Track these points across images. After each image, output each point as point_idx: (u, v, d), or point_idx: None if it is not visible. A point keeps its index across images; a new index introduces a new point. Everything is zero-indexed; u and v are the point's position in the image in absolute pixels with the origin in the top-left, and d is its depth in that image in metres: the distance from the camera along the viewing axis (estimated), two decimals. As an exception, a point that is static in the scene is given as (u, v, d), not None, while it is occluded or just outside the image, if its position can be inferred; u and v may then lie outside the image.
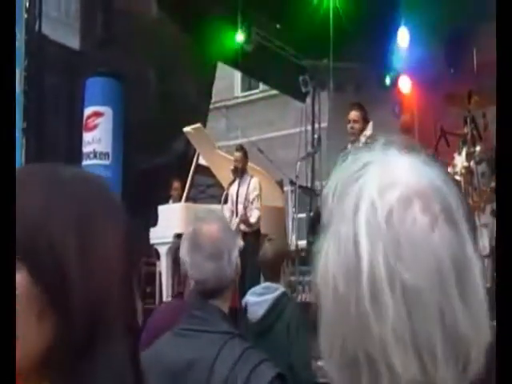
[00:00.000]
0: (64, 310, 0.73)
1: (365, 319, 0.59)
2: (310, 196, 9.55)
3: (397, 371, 0.58)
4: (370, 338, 0.59)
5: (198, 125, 7.58)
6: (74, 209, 0.76)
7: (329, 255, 0.63)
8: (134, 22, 8.90)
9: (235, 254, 1.76)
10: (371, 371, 0.59)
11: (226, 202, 6.59)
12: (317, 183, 9.93)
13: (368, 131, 5.14)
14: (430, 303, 0.59)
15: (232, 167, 6.43)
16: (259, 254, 3.79)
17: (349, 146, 5.29)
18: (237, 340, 1.67)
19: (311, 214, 9.49)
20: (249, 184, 6.42)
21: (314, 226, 8.82)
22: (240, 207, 6.32)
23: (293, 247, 8.68)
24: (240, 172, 6.44)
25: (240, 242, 1.86)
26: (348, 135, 5.33)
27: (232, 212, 6.34)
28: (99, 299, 0.76)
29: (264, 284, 3.55)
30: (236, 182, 6.49)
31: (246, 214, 6.15)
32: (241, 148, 6.62)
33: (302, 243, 9.31)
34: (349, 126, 5.24)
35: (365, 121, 5.24)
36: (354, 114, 5.29)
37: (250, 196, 6.33)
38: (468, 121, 5.23)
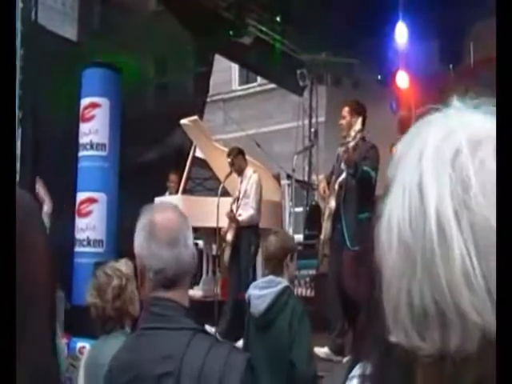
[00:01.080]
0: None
1: (432, 263, 0.57)
2: (306, 190, 9.58)
3: (469, 318, 0.56)
4: (439, 284, 0.57)
5: (195, 117, 7.58)
6: None
7: (393, 204, 0.61)
8: (131, 14, 8.88)
9: (191, 239, 1.76)
10: (442, 324, 0.57)
11: (222, 195, 6.59)
12: (313, 177, 9.95)
13: (357, 126, 5.03)
14: None
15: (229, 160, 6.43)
16: (264, 247, 3.78)
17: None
18: (201, 335, 1.65)
19: (307, 207, 9.53)
20: (248, 180, 6.43)
21: (310, 220, 8.84)
22: (238, 203, 6.34)
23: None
24: (239, 171, 6.45)
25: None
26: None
27: (230, 206, 6.37)
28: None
29: (267, 278, 3.53)
30: (238, 180, 6.52)
31: (232, 212, 6.17)
32: (229, 154, 6.50)
33: (299, 237, 9.34)
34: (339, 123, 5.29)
35: (354, 115, 5.24)
36: (343, 110, 5.33)
37: (248, 193, 6.33)
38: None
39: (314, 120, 9.92)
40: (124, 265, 2.66)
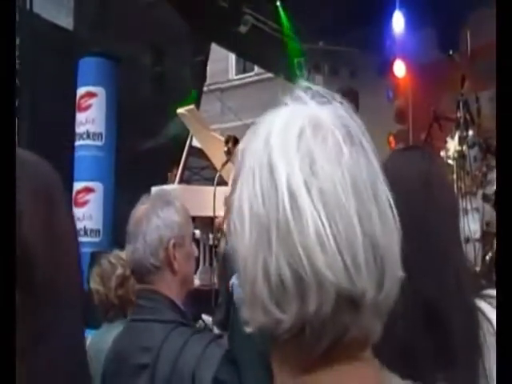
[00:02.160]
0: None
1: (287, 232, 0.60)
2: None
3: (325, 278, 0.59)
4: (295, 250, 0.60)
5: (192, 106, 7.54)
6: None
7: (243, 188, 0.65)
8: (127, 3, 8.83)
9: (153, 237, 1.68)
10: (300, 290, 0.60)
11: (219, 184, 6.58)
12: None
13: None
14: (348, 209, 0.61)
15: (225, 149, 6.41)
16: None
17: None
18: (180, 329, 1.63)
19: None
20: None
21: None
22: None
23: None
24: (231, 155, 6.38)
25: (188, 229, 1.79)
26: None
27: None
28: (59, 274, 0.81)
29: None
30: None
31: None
32: (227, 141, 6.50)
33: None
34: None
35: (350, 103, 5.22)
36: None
37: None
38: (461, 105, 5.23)
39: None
40: None
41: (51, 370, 0.78)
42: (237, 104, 12.16)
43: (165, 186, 7.38)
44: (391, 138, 8.08)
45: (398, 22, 7.65)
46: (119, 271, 2.63)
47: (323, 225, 0.60)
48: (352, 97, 5.40)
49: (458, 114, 5.23)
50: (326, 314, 0.59)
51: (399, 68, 8.05)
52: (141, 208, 1.75)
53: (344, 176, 0.62)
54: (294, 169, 0.63)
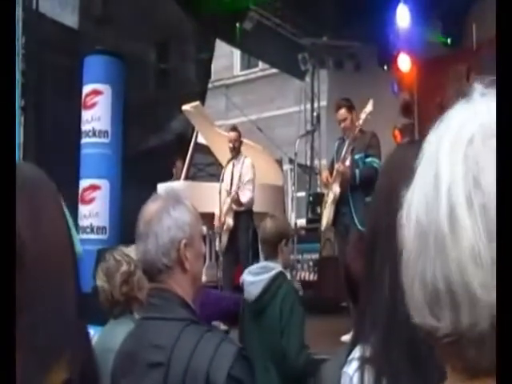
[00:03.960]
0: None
1: (442, 243, 0.59)
2: (309, 174, 9.59)
3: (478, 296, 0.57)
4: (449, 263, 0.59)
5: (197, 103, 7.56)
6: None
7: (414, 194, 0.65)
8: (132, 0, 8.85)
9: (165, 238, 1.68)
10: (452, 303, 0.59)
11: (223, 180, 6.62)
12: (316, 161, 9.95)
13: (368, 107, 5.28)
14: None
15: (230, 145, 6.44)
16: (260, 231, 3.75)
17: (345, 137, 5.37)
18: (193, 326, 1.63)
19: (310, 192, 9.54)
20: (242, 165, 6.46)
21: (313, 205, 8.86)
22: (234, 187, 6.35)
23: (292, 225, 8.75)
24: (235, 152, 6.46)
25: (198, 228, 1.79)
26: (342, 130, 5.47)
27: (227, 192, 6.36)
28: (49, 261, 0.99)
29: (261, 263, 3.51)
30: (231, 163, 6.52)
31: (237, 194, 6.20)
32: (234, 128, 6.59)
33: (302, 221, 9.36)
34: (341, 125, 5.37)
35: (352, 111, 5.35)
36: (341, 114, 5.33)
37: (243, 177, 6.38)
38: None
39: (316, 104, 9.90)
40: (133, 250, 2.68)
41: (37, 329, 0.93)
42: (241, 100, 12.17)
43: (170, 183, 7.42)
44: (396, 132, 8.07)
45: (403, 15, 7.63)
46: (124, 268, 2.63)
47: (481, 243, 0.58)
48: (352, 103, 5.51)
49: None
50: (482, 330, 0.58)
51: (404, 61, 8.02)
52: (151, 207, 1.74)
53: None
54: (457, 179, 0.60)
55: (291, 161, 8.24)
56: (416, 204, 0.63)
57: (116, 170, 7.17)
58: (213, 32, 8.51)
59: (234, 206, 6.25)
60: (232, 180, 6.43)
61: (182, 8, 8.33)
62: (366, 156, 5.15)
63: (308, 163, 9.79)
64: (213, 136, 7.58)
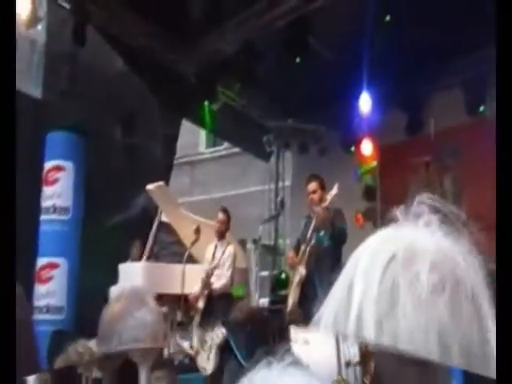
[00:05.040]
0: None
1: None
2: (272, 255, 9.52)
3: None
4: None
5: (161, 183, 7.53)
6: None
7: (328, 301, 0.64)
8: (98, 75, 8.91)
9: (128, 338, 1.79)
10: None
11: (188, 261, 6.56)
12: (280, 241, 9.92)
13: (334, 191, 5.34)
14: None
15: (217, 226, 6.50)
16: (230, 316, 3.67)
17: (311, 214, 5.43)
18: None
19: (274, 272, 9.44)
20: (224, 250, 6.50)
21: (276, 286, 8.76)
22: (214, 271, 6.38)
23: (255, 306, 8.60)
24: (219, 235, 6.53)
25: (161, 326, 1.90)
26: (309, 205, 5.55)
27: (206, 273, 6.33)
28: None
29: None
30: (213, 244, 6.56)
31: (208, 278, 6.14)
32: (225, 210, 6.69)
33: (264, 301, 9.21)
34: (308, 197, 5.50)
35: (322, 189, 5.53)
36: (311, 186, 5.53)
37: (223, 262, 6.42)
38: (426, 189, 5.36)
39: (280, 184, 9.97)
40: (94, 345, 2.58)
41: None
42: (206, 177, 12.21)
43: (132, 263, 7.26)
44: (359, 216, 8.16)
45: (366, 102, 7.87)
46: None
47: None
48: (321, 183, 5.60)
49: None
50: None
51: (367, 147, 8.23)
52: (115, 307, 1.81)
53: (427, 329, 0.56)
54: (370, 300, 0.58)
55: (255, 241, 8.20)
56: (327, 313, 0.63)
57: (75, 248, 7.00)
58: (179, 111, 8.59)
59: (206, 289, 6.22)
60: (212, 262, 6.42)
61: (147, 86, 8.42)
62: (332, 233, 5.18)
63: (272, 243, 9.74)
64: (177, 216, 7.51)
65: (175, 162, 10.43)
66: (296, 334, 5.68)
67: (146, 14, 7.41)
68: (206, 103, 8.28)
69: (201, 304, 6.16)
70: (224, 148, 12.31)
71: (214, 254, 6.48)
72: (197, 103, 8.39)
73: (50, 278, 6.74)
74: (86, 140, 7.35)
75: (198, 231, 6.35)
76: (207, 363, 5.05)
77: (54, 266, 6.76)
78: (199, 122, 8.88)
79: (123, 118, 9.55)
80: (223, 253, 6.43)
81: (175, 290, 6.48)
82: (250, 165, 11.15)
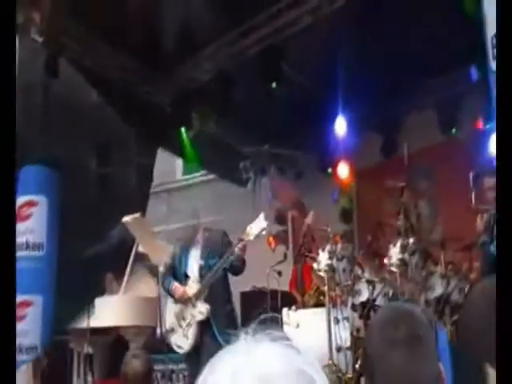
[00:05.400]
0: None
1: None
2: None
3: None
4: None
5: (137, 215, 7.41)
6: None
7: None
8: (72, 107, 8.82)
9: None
10: None
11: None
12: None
13: (261, 223, 4.72)
14: None
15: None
16: (125, 371, 3.39)
17: None
18: None
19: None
20: None
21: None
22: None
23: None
24: None
25: None
26: None
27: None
28: None
29: None
30: None
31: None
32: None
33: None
34: None
35: None
36: None
37: None
38: (401, 213, 5.35)
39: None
40: None
41: None
42: (183, 205, 12.08)
43: (109, 297, 7.10)
44: (337, 238, 8.11)
45: (341, 125, 7.90)
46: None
47: None
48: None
49: (399, 222, 5.34)
50: None
51: (343, 170, 8.23)
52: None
53: None
54: None
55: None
56: None
57: (50, 285, 6.81)
58: (154, 140, 8.52)
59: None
60: None
61: (122, 117, 8.35)
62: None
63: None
64: (154, 248, 7.38)
65: (152, 190, 10.32)
66: (288, 316, 5.64)
67: (119, 45, 7.38)
68: (184, 131, 8.24)
69: None
70: (201, 174, 12.24)
71: None
72: (173, 132, 8.34)
73: (23, 316, 6.54)
74: (60, 173, 7.21)
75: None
76: (183, 341, 4.80)
77: (27, 304, 6.57)
78: (175, 151, 8.83)
79: (98, 148, 9.44)
80: None
81: (153, 322, 6.36)
82: (228, 191, 11.07)
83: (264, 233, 4.73)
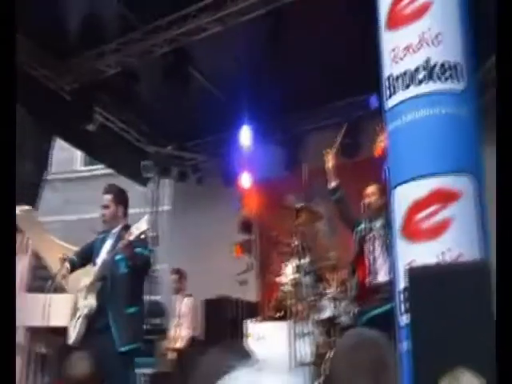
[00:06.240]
0: None
1: None
2: (149, 281, 9.27)
3: None
4: None
5: (28, 207, 7.07)
6: None
7: None
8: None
9: None
10: None
11: (55, 290, 6.21)
12: (157, 266, 9.70)
13: (142, 225, 4.21)
14: None
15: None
16: (66, 372, 3.31)
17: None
18: None
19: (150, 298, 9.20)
20: (185, 303, 7.15)
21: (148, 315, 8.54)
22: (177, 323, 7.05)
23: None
24: (177, 290, 7.32)
25: None
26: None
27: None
28: None
29: None
30: (176, 297, 7.31)
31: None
32: (177, 271, 7.39)
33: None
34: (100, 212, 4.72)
35: (119, 204, 4.65)
36: (104, 199, 4.65)
37: (185, 316, 7.06)
38: (297, 234, 5.41)
39: (160, 208, 9.79)
40: None
41: None
42: (80, 196, 11.70)
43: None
44: (238, 247, 8.18)
45: (246, 135, 7.93)
46: None
47: None
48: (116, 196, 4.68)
49: (295, 243, 5.40)
50: None
51: (246, 180, 8.27)
52: None
53: None
54: None
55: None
56: None
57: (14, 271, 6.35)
58: (53, 131, 8.14)
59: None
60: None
61: (21, 101, 7.91)
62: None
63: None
64: (45, 244, 7.08)
65: (49, 177, 9.88)
66: (252, 328, 5.53)
67: (23, 27, 6.97)
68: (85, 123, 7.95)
69: None
70: (102, 167, 11.87)
71: (179, 310, 7.15)
72: (73, 122, 8.01)
73: None
74: None
75: (64, 260, 6.00)
76: (72, 331, 4.54)
77: None
78: (74, 142, 8.51)
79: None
80: (181, 307, 7.12)
81: (38, 321, 6.12)
82: (128, 186, 10.78)
83: (143, 236, 4.26)
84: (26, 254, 7.19)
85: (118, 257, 4.36)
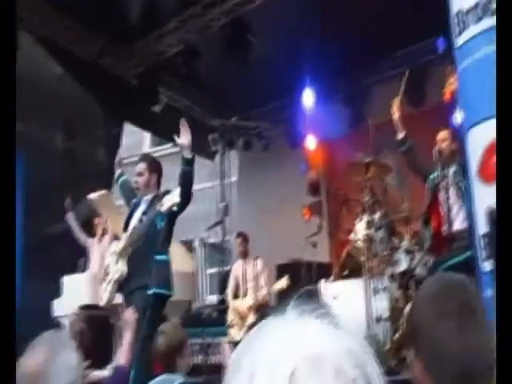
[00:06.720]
0: None
1: None
2: (220, 252, 9.46)
3: None
4: None
5: (104, 191, 7.35)
6: None
7: None
8: (35, 81, 8.61)
9: None
10: None
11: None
12: (228, 237, 9.87)
13: (175, 197, 4.30)
14: None
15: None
16: (153, 348, 3.46)
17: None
18: None
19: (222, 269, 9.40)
20: (255, 265, 7.14)
21: (224, 284, 8.72)
22: (250, 286, 7.01)
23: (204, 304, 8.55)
24: (243, 254, 7.26)
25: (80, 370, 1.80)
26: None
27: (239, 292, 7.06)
28: None
29: (160, 377, 3.33)
30: (240, 263, 7.27)
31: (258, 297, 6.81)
32: (240, 234, 7.39)
33: (213, 298, 9.19)
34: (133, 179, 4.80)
35: (152, 172, 4.78)
36: (139, 167, 4.80)
37: (260, 277, 7.05)
38: (367, 189, 5.35)
39: (227, 181, 9.92)
40: None
41: None
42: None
43: (76, 275, 7.08)
44: (306, 210, 8.17)
45: (308, 97, 7.88)
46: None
47: None
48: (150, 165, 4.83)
49: (365, 198, 5.33)
50: None
51: (311, 142, 8.24)
52: (35, 359, 1.61)
53: None
54: None
55: (202, 241, 8.19)
56: None
57: (15, 262, 6.73)
58: (120, 113, 8.39)
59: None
60: (245, 280, 7.09)
61: (87, 90, 8.18)
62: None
63: (219, 240, 9.69)
64: (121, 224, 7.33)
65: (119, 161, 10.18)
66: (326, 288, 5.60)
67: (83, 18, 7.20)
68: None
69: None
70: (169, 146, 12.13)
71: (244, 272, 7.17)
72: (139, 105, 8.22)
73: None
74: (23, 151, 7.06)
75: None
76: (103, 294, 4.71)
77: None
78: (142, 124, 8.72)
79: (63, 123, 9.27)
80: (255, 268, 7.11)
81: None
82: (196, 163, 10.95)
83: (175, 208, 4.37)
84: (106, 235, 7.51)
85: (153, 217, 4.40)
